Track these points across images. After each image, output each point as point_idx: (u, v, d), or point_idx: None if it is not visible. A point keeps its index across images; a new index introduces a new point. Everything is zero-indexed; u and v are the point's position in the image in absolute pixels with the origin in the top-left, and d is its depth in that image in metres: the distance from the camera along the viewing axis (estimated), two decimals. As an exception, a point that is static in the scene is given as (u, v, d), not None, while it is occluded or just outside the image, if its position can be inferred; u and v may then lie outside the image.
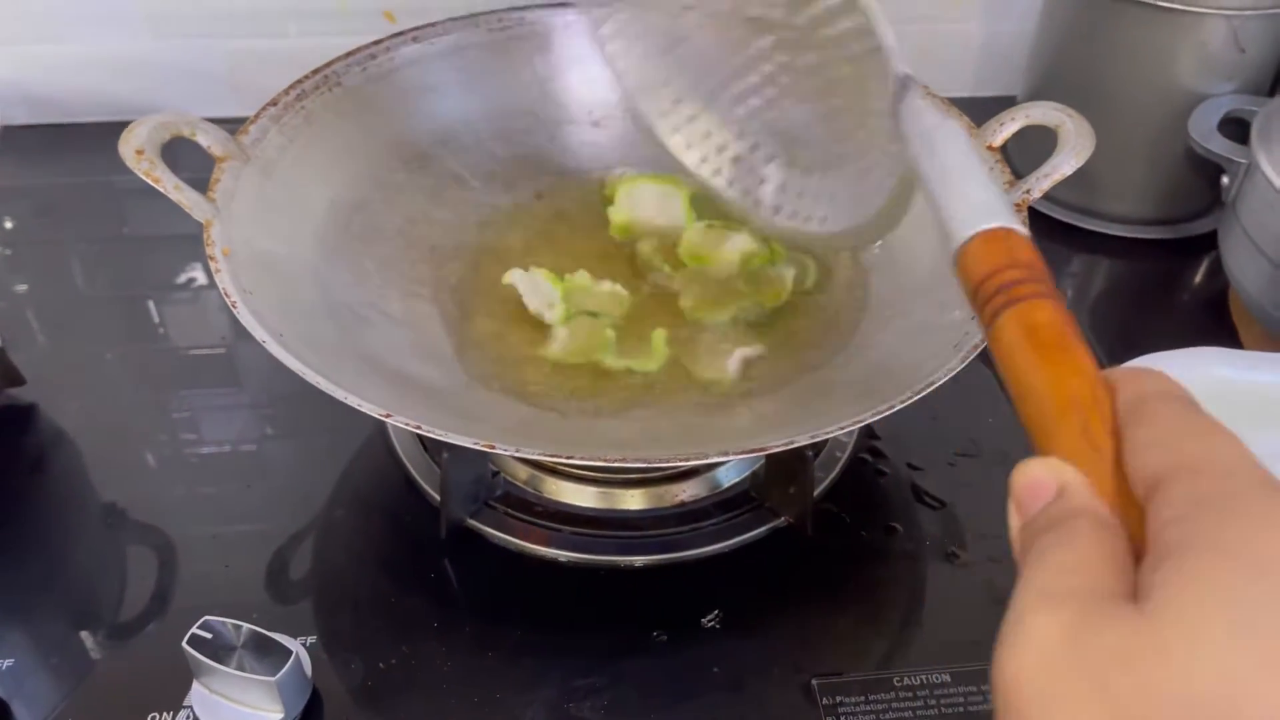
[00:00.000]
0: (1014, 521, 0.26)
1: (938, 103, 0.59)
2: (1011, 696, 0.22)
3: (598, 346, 0.58)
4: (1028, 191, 0.55)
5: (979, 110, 0.61)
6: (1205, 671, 0.21)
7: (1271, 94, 0.73)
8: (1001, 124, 0.59)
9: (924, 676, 0.50)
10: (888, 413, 0.45)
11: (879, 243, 0.61)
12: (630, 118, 0.62)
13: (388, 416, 0.44)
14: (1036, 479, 0.26)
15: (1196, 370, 0.53)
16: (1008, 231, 0.30)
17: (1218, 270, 0.72)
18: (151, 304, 0.71)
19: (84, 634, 0.52)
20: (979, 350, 0.48)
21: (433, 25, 0.66)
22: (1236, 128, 0.70)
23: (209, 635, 0.46)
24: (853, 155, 0.50)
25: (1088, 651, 0.22)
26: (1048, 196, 0.81)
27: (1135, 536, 0.24)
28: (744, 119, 0.55)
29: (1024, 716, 0.22)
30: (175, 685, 0.48)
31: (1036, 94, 0.79)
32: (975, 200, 0.32)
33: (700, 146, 0.56)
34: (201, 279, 0.72)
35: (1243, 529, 0.22)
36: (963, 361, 0.47)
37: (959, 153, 0.35)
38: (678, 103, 0.56)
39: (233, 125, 0.57)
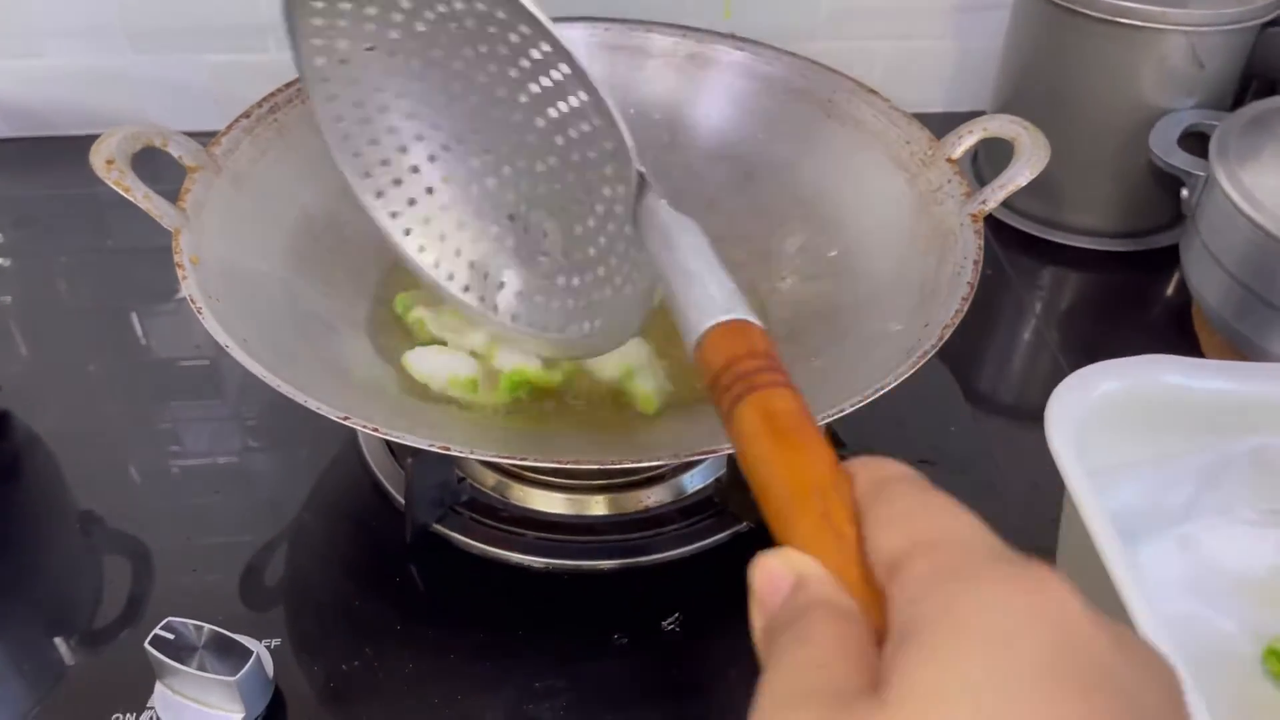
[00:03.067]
0: (757, 622, 0.25)
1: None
2: None
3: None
4: (984, 202, 0.56)
5: (951, 125, 0.61)
6: None
7: (1231, 109, 0.74)
8: (960, 137, 0.60)
9: (879, 679, 0.51)
10: (835, 415, 0.46)
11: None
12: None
13: (345, 419, 0.45)
14: (772, 572, 0.25)
15: (1150, 377, 0.54)
16: (745, 323, 0.32)
17: (1181, 282, 0.73)
18: (134, 315, 0.72)
19: (56, 640, 0.52)
20: (928, 357, 0.49)
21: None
22: (1197, 141, 0.71)
23: (171, 636, 0.46)
24: (593, 260, 0.50)
25: None
26: (1014, 209, 0.82)
27: (879, 623, 0.23)
28: (482, 223, 0.55)
29: None
30: (141, 687, 0.49)
31: (1004, 108, 0.80)
32: (713, 293, 0.33)
33: (435, 249, 0.57)
34: (184, 290, 0.73)
35: (973, 602, 0.21)
36: (912, 367, 0.48)
37: (696, 248, 0.36)
38: (413, 204, 0.56)
39: (212, 138, 0.58)
